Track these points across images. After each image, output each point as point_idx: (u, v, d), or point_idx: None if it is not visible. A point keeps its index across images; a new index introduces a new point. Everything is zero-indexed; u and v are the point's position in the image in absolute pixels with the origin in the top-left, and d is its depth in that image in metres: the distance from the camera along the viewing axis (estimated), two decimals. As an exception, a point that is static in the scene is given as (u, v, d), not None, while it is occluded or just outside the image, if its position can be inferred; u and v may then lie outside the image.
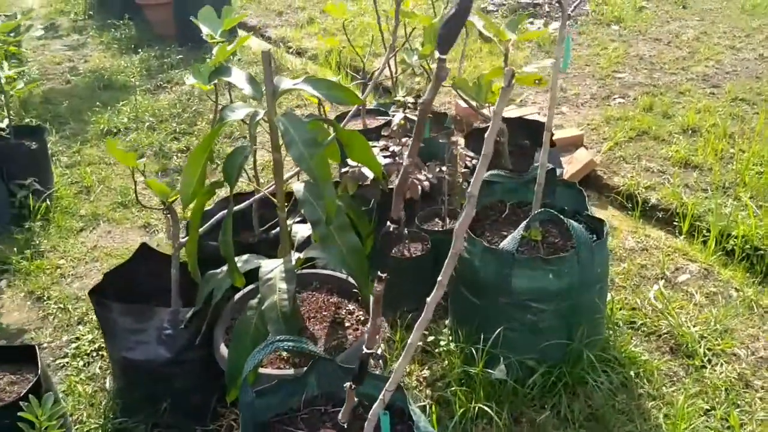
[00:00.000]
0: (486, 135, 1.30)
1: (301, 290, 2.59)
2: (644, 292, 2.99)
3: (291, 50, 6.43)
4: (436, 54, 0.97)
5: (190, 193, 1.90)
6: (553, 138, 3.67)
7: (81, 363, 2.78)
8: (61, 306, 3.11)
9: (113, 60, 6.21)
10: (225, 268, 2.25)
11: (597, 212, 3.08)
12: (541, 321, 2.38)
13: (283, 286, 2.04)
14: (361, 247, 2.00)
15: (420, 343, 2.67)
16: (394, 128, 2.62)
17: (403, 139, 2.63)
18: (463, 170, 3.02)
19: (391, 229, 0.86)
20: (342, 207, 1.99)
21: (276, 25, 7.06)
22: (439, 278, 1.42)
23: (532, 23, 6.42)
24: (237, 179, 1.91)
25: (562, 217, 2.39)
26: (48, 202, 3.77)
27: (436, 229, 3.06)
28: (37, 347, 2.33)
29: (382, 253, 2.88)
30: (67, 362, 2.80)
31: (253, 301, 2.13)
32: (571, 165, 3.97)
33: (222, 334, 2.32)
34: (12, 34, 4.27)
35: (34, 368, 2.28)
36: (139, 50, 6.35)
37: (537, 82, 2.59)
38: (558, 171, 3.45)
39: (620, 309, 2.86)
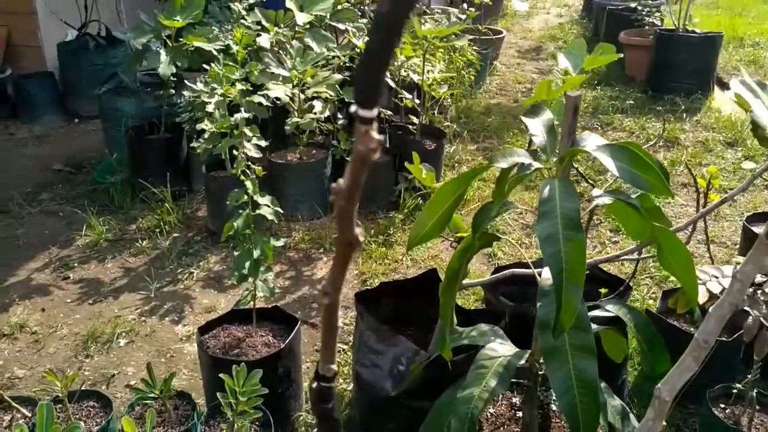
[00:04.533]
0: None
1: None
2: None
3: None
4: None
5: (421, 235, 1.63)
6: None
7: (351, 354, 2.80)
8: (375, 297, 3.20)
9: (568, 91, 6.15)
10: (468, 330, 1.92)
11: None
12: None
13: (492, 384, 1.62)
14: (596, 388, 1.43)
15: None
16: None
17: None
18: None
19: (314, 386, 0.50)
20: (586, 322, 1.44)
21: (766, 93, 5.97)
22: None
23: None
24: (480, 231, 1.56)
25: None
26: (421, 201, 3.93)
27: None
28: (299, 322, 2.42)
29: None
30: (344, 350, 2.86)
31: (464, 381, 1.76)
32: None
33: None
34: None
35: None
36: (597, 87, 6.14)
37: None
38: None
39: None
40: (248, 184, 2.20)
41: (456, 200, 1.58)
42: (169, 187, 3.95)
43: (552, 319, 1.39)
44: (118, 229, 3.84)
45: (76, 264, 3.53)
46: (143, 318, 3.08)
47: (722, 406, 2.15)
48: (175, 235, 3.79)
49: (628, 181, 1.42)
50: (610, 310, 1.69)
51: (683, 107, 5.52)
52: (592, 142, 1.52)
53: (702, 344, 0.72)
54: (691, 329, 2.51)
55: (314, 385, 0.60)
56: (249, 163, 2.23)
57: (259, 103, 3.11)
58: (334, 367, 0.59)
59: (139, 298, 3.23)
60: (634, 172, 1.41)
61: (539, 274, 1.58)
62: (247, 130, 2.30)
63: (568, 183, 1.46)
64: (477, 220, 1.57)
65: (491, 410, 2.06)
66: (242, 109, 2.46)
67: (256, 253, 2.27)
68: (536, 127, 1.61)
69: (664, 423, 1.41)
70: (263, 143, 2.37)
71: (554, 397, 2.10)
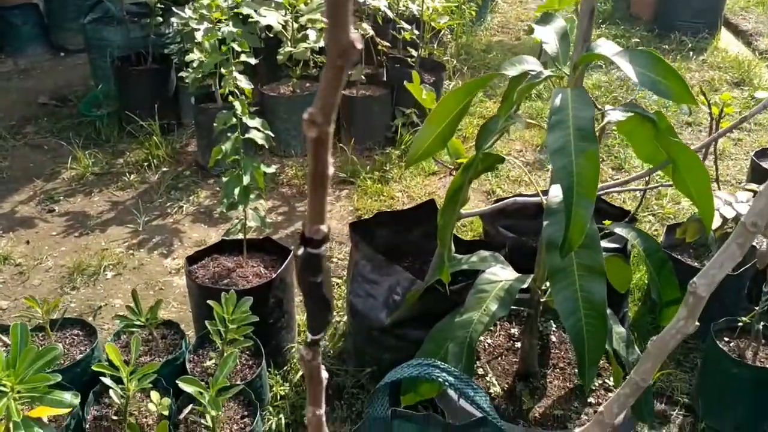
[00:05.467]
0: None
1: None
2: None
3: (774, 66, 5.20)
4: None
5: (422, 150, 1.52)
6: None
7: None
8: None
9: (571, 29, 5.96)
10: (467, 256, 1.84)
11: None
12: None
13: (493, 307, 1.54)
14: (604, 311, 1.35)
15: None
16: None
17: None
18: None
19: (300, 252, 0.42)
20: (596, 241, 1.35)
21: (774, 35, 5.79)
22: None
23: None
24: (485, 146, 1.45)
25: None
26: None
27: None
28: (292, 253, 2.33)
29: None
30: (338, 284, 2.78)
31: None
32: None
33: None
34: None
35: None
36: (602, 25, 5.95)
37: None
38: None
39: None
40: (237, 104, 2.07)
41: (461, 112, 1.47)
42: (157, 120, 3.80)
43: (560, 238, 1.30)
44: (105, 162, 3.71)
45: (61, 197, 3.42)
46: (131, 251, 2.99)
47: (726, 339, 2.09)
48: (164, 169, 3.66)
49: (648, 88, 1.30)
50: (620, 233, 1.60)
51: (690, 46, 5.35)
52: (608, 48, 1.40)
53: (749, 228, 0.63)
54: (695, 263, 2.44)
55: (300, 251, 0.50)
56: (238, 83, 2.10)
57: (248, 17, 2.92)
58: (324, 228, 0.49)
59: (126, 232, 3.14)
60: (655, 78, 1.30)
61: (545, 200, 1.49)
62: (235, 45, 2.16)
63: (583, 91, 1.34)
64: (482, 134, 1.46)
65: (489, 340, 1.99)
66: (230, 23, 2.30)
67: (245, 180, 2.17)
68: (548, 34, 1.49)
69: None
70: (253, 60, 2.23)
71: (554, 328, 2.04)
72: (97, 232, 3.13)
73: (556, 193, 1.41)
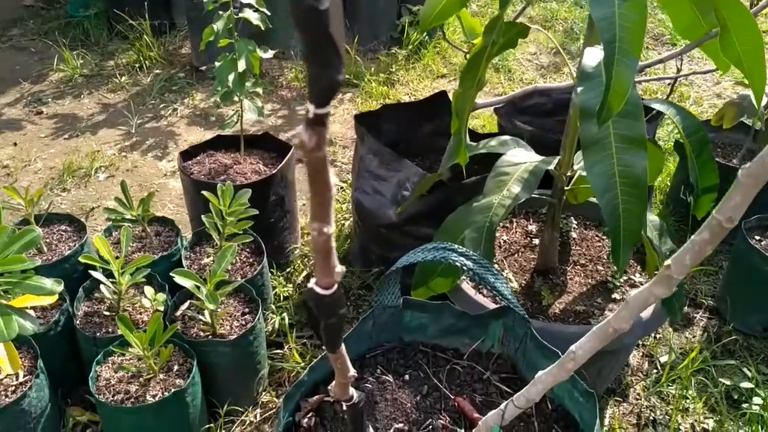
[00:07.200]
0: None
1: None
2: None
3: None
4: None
5: (437, 10, 1.34)
6: None
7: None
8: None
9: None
10: (486, 140, 1.68)
11: None
12: None
13: (515, 190, 1.40)
14: (644, 186, 1.20)
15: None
16: None
17: None
18: None
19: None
20: (638, 107, 1.19)
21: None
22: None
23: None
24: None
25: None
26: (427, 38, 3.58)
27: None
28: (293, 149, 2.17)
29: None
30: (343, 188, 2.64)
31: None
32: None
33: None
34: None
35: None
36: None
37: None
38: None
39: None
40: (230, -22, 1.87)
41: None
42: (147, 19, 3.57)
43: (597, 104, 1.14)
44: (94, 64, 3.51)
45: (50, 99, 3.24)
46: (124, 153, 2.83)
47: (757, 237, 1.96)
48: (157, 71, 3.46)
49: None
50: (658, 108, 1.44)
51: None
52: None
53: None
54: (721, 161, 2.29)
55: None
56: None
57: None
58: None
59: (119, 134, 2.97)
60: None
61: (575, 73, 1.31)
62: None
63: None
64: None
65: (505, 237, 1.86)
66: None
67: (240, 65, 1.98)
68: None
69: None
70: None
71: (575, 225, 1.91)
72: (87, 134, 2.97)
73: (592, 55, 1.24)
